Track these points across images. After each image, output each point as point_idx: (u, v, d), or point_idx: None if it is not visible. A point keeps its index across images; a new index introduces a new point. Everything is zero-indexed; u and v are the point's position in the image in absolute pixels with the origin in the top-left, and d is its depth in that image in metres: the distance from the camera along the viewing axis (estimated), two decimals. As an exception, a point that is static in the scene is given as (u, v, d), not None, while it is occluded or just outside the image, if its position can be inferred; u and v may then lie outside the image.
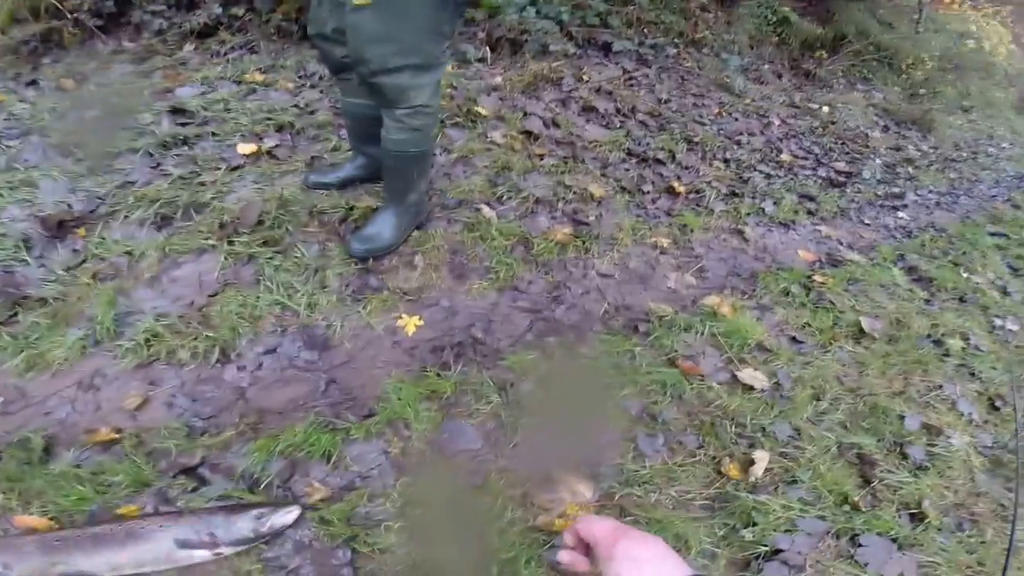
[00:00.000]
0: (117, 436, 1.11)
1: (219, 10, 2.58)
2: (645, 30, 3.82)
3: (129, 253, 1.45)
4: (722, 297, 1.79)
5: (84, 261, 1.43)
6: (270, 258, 1.48)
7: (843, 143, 3.77)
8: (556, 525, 1.13)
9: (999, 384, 2.00)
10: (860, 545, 1.20)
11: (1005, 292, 2.67)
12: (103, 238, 1.50)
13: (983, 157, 5.38)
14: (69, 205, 1.56)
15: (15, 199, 1.58)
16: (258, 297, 1.40)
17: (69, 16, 2.45)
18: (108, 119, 1.95)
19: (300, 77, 2.41)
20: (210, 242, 1.48)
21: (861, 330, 1.87)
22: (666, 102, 3.16)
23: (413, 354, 1.43)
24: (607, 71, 3.27)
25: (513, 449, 1.28)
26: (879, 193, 3.23)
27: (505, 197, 1.89)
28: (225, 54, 2.48)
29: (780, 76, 4.75)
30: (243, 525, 0.96)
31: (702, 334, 1.60)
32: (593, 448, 1.28)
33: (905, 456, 1.48)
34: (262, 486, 1.08)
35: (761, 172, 2.79)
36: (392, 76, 1.27)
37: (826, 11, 5.52)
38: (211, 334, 1.31)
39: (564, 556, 0.51)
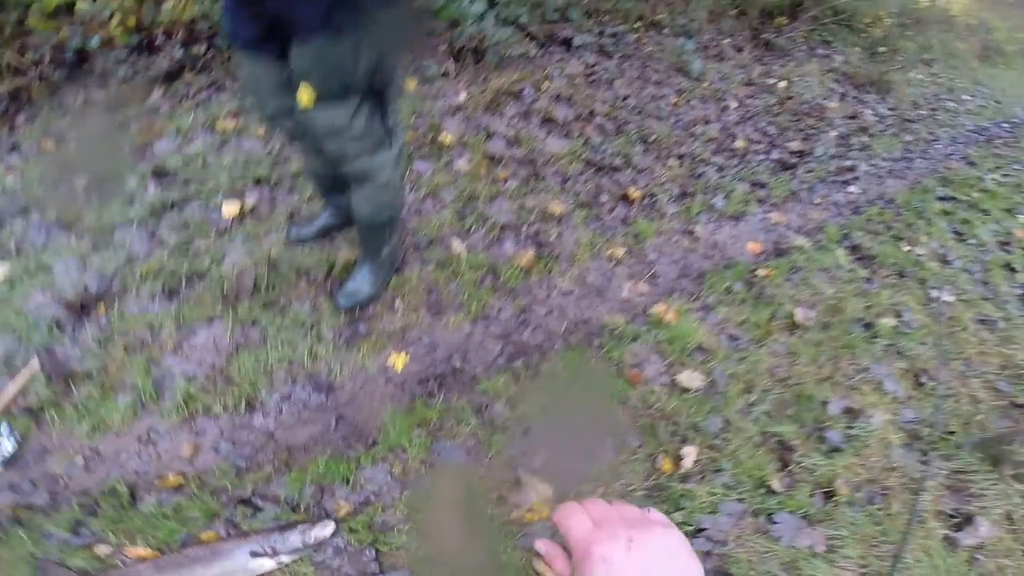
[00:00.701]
0: (182, 480, 1.42)
1: (180, 52, 2.75)
2: (605, 18, 4.01)
3: (149, 325, 1.71)
4: (668, 304, 2.08)
5: (112, 336, 1.69)
6: (271, 319, 1.75)
7: (799, 119, 4.03)
8: (526, 518, 1.46)
9: (926, 359, 2.33)
10: (774, 522, 1.52)
11: (945, 261, 2.98)
12: (122, 313, 1.75)
13: (942, 113, 5.65)
14: (86, 286, 1.81)
15: (36, 284, 1.83)
16: (267, 354, 1.68)
17: (33, 70, 2.59)
18: (97, 187, 2.16)
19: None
20: (217, 310, 1.75)
21: (795, 321, 2.17)
22: (625, 98, 3.38)
23: (403, 387, 1.71)
24: (569, 67, 3.49)
25: (489, 460, 1.59)
26: (831, 169, 3.51)
27: (473, 228, 2.15)
28: (193, 95, 2.67)
29: (740, 49, 4.94)
30: (294, 538, 1.30)
31: (648, 343, 1.90)
32: (553, 454, 1.58)
33: (823, 440, 1.79)
34: (301, 508, 1.41)
35: (714, 164, 3.05)
36: (353, 163, 1.49)
37: None
38: (235, 389, 1.59)
39: (541, 545, 0.48)
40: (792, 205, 3.02)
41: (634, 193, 2.60)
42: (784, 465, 1.67)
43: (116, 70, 2.74)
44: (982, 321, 2.66)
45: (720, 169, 3.06)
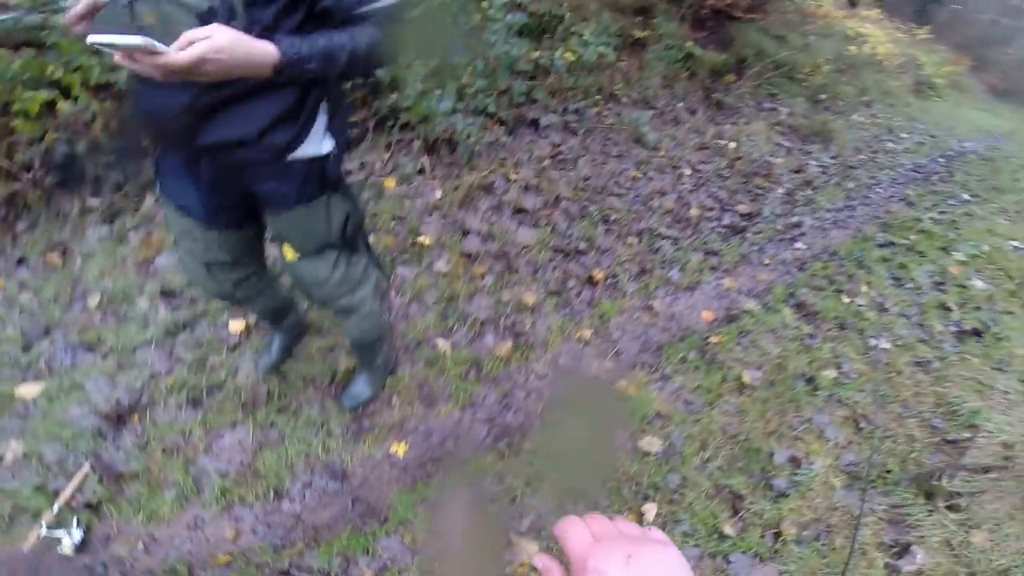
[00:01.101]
0: (230, 558, 1.74)
1: None
2: (568, 95, 4.51)
3: (181, 431, 2.05)
4: (630, 378, 2.45)
5: (149, 441, 2.02)
6: (286, 421, 2.09)
7: (748, 180, 4.51)
8: (518, 572, 1.79)
9: (865, 405, 2.71)
10: (729, 562, 1.86)
11: (883, 309, 3.39)
12: (155, 422, 2.08)
13: (882, 155, 6.23)
14: (118, 400, 2.14)
15: (72, 400, 2.14)
16: (287, 450, 2.01)
17: (24, 176, 2.77)
18: (111, 307, 2.50)
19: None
20: (238, 416, 2.09)
21: (744, 383, 2.55)
22: (588, 179, 3.83)
23: (406, 471, 2.05)
24: (538, 149, 3.95)
25: (484, 526, 1.92)
26: (778, 228, 3.96)
27: (455, 327, 2.52)
28: None
29: (694, 112, 5.50)
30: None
31: (612, 416, 2.26)
32: (537, 517, 1.92)
33: (771, 487, 2.15)
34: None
35: (670, 238, 3.48)
36: (337, 303, 1.76)
37: (726, 36, 6.32)
38: (263, 481, 1.92)
39: (539, 560, 0.48)
40: (743, 269, 3.45)
41: (598, 275, 3.00)
42: (736, 512, 2.02)
43: (107, 176, 2.93)
44: (918, 363, 3.05)
45: (675, 241, 3.48)
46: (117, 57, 1.00)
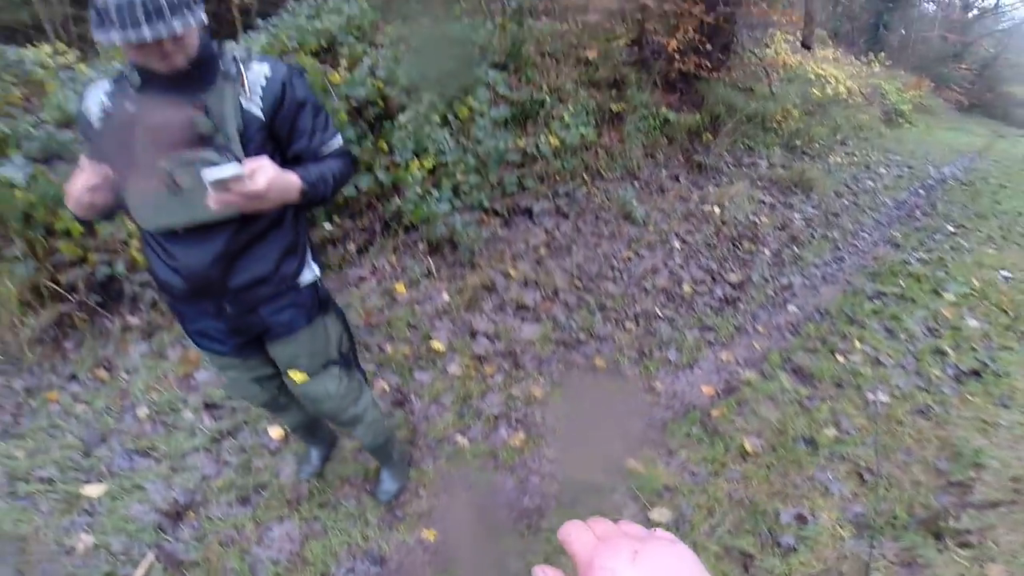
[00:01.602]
0: None
1: None
2: (556, 179, 4.97)
3: (234, 525, 2.35)
4: (637, 456, 2.73)
5: (206, 534, 2.33)
6: (328, 515, 2.41)
7: (735, 245, 4.90)
8: None
9: (867, 457, 2.94)
10: (746, 621, 2.08)
11: (878, 363, 3.66)
12: (210, 518, 2.40)
13: (863, 196, 6.65)
14: (175, 499, 2.47)
15: (133, 499, 2.48)
16: (330, 539, 2.32)
17: (72, 296, 3.24)
18: (159, 418, 2.88)
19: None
20: (284, 512, 2.41)
21: (746, 450, 2.81)
22: (582, 265, 4.23)
23: (437, 554, 2.32)
24: (533, 238, 4.38)
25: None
26: (769, 292, 4.30)
27: (471, 424, 2.84)
28: None
29: (677, 178, 5.97)
30: None
31: (624, 491, 2.53)
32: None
33: (779, 544, 2.38)
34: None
35: (666, 319, 3.83)
36: (344, 414, 2.07)
37: (697, 96, 6.86)
38: (312, 568, 2.20)
39: (539, 571, 0.47)
40: (739, 339, 3.76)
41: (599, 363, 3.33)
42: (746, 570, 2.25)
43: (144, 294, 3.37)
44: (918, 411, 3.29)
45: (671, 322, 3.82)
46: (213, 197, 1.30)
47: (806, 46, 7.81)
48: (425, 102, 4.18)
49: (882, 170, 8.00)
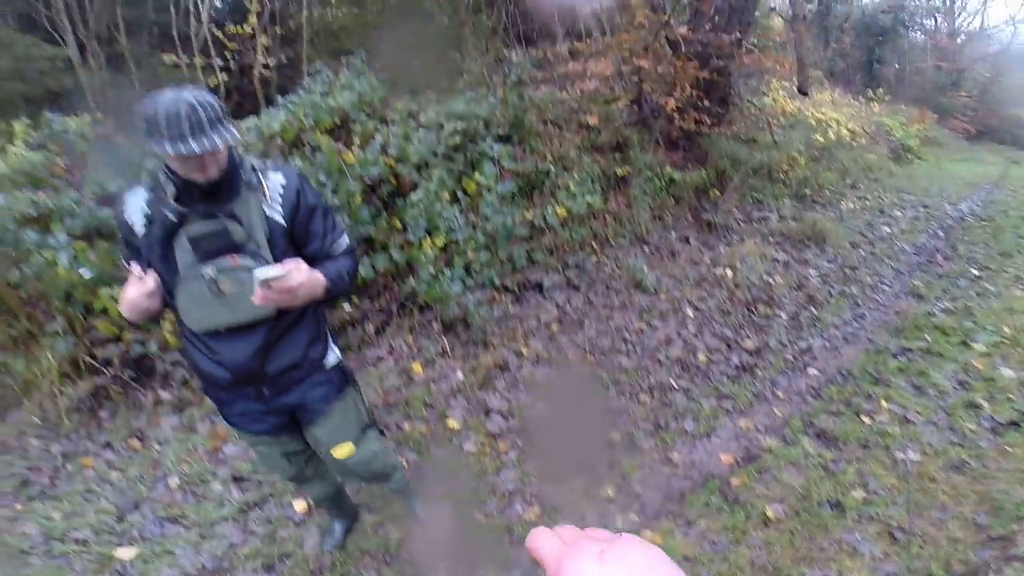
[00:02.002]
0: None
1: None
2: (565, 250, 5.14)
3: None
4: (654, 528, 2.74)
5: None
6: None
7: (750, 310, 4.98)
8: None
9: (899, 517, 2.90)
10: None
11: (907, 421, 3.63)
12: None
13: (880, 244, 6.68)
14: (203, 565, 2.59)
15: (164, 563, 2.61)
16: None
17: (107, 372, 3.51)
18: (189, 489, 3.05)
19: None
20: None
21: (768, 517, 2.80)
22: (592, 341, 4.35)
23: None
24: (544, 314, 4.52)
25: None
26: (788, 357, 4.34)
27: (487, 500, 2.91)
28: None
29: (687, 240, 6.10)
30: None
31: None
32: None
33: (807, 614, 2.34)
34: None
35: (681, 389, 3.89)
36: (386, 466, 2.29)
37: (700, 152, 7.03)
38: None
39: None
40: (758, 406, 3.79)
41: (615, 436, 3.38)
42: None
43: (175, 372, 3.66)
44: (953, 467, 3.23)
45: (687, 392, 3.88)
46: (259, 293, 1.52)
47: (803, 91, 8.07)
48: (435, 179, 4.50)
49: (897, 213, 8.06)
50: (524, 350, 4.09)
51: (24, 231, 3.48)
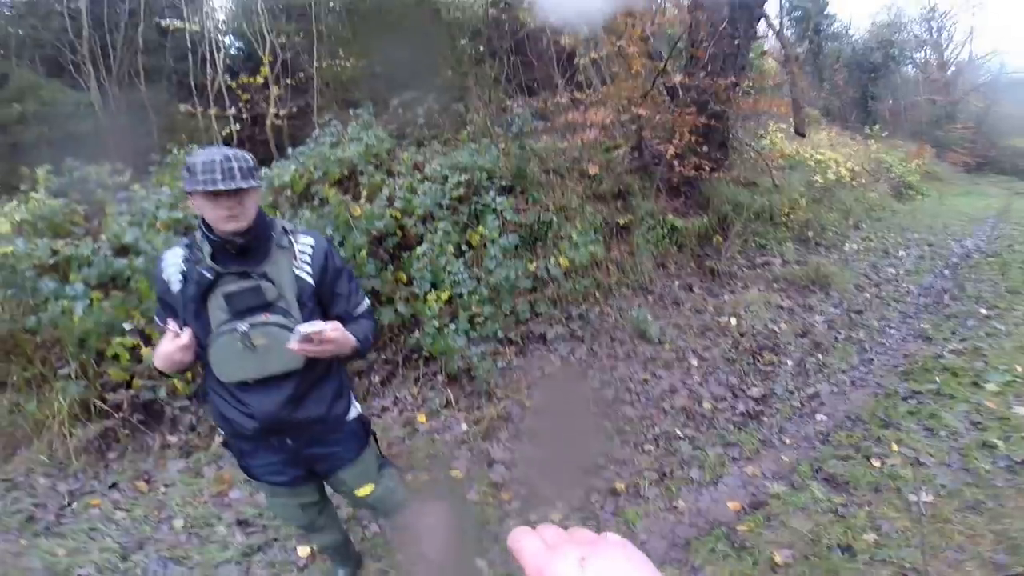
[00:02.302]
0: None
1: None
2: (568, 301, 5.20)
3: None
4: (663, 579, 2.71)
5: None
6: None
7: (755, 358, 4.99)
8: None
9: (913, 558, 2.84)
10: None
11: (919, 463, 3.59)
12: None
13: (886, 286, 6.68)
14: None
15: None
16: None
17: (116, 416, 3.61)
18: (194, 530, 3.07)
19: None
20: None
21: (776, 563, 2.76)
22: (596, 392, 4.37)
23: None
24: (548, 365, 4.56)
25: None
26: (794, 404, 4.34)
27: (490, 549, 2.90)
28: None
29: (691, 288, 6.15)
30: None
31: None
32: None
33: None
34: None
35: (686, 438, 3.89)
36: (395, 503, 2.34)
37: (701, 198, 7.13)
38: None
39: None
40: (765, 453, 3.77)
41: (620, 486, 3.37)
42: None
43: (183, 417, 3.77)
44: (968, 507, 3.18)
45: (692, 440, 3.88)
46: (296, 343, 1.66)
47: (800, 133, 8.24)
48: (440, 232, 4.64)
49: (901, 253, 8.08)
50: (527, 402, 4.12)
51: (42, 280, 3.68)
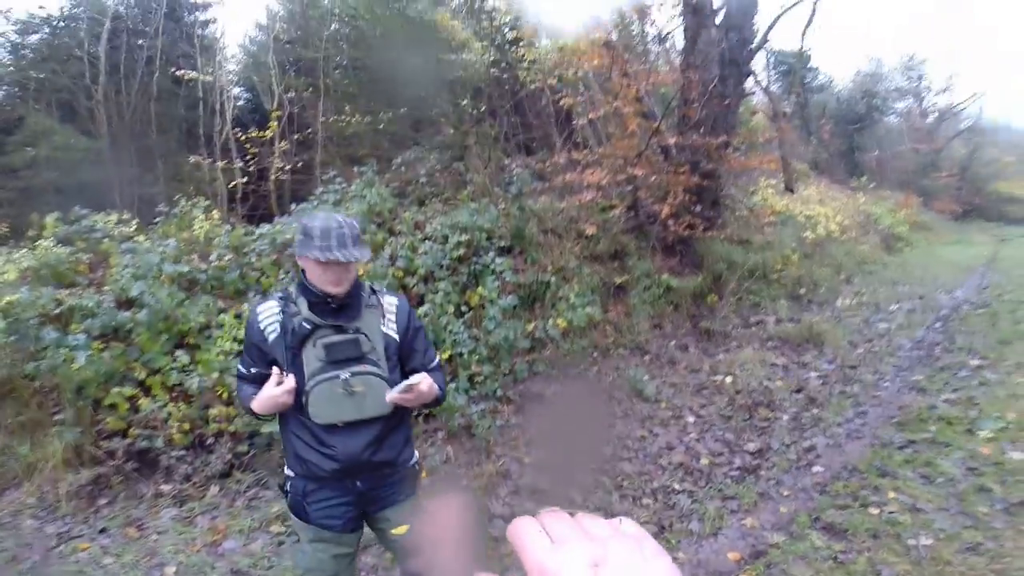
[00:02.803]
0: None
1: (228, 452, 3.90)
2: (566, 360, 5.30)
3: None
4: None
5: None
6: None
7: (751, 414, 5.07)
8: None
9: (915, 603, 2.87)
10: None
11: (917, 510, 3.64)
12: None
13: (878, 341, 6.82)
14: None
15: None
16: None
17: (110, 463, 3.62)
18: None
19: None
20: None
21: (777, 613, 2.79)
22: (595, 447, 4.42)
23: None
24: (546, 424, 4.62)
25: None
26: (791, 457, 4.39)
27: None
28: (244, 492, 3.76)
29: (686, 348, 6.27)
30: None
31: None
32: None
33: None
34: None
35: (685, 492, 3.93)
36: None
37: (696, 257, 7.33)
38: None
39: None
40: (763, 505, 3.81)
41: (618, 540, 3.40)
42: None
43: (178, 467, 3.80)
44: (968, 549, 3.22)
45: (691, 494, 3.92)
46: (396, 397, 1.89)
47: (789, 189, 8.51)
48: (440, 292, 4.78)
49: (893, 307, 8.22)
50: (526, 458, 4.18)
51: (45, 328, 3.80)
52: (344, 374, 1.95)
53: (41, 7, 8.35)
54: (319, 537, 2.22)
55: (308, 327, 1.97)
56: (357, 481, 2.11)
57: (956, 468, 4.07)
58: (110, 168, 7.36)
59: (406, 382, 1.91)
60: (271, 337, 2.01)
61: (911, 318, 8.06)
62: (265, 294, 4.39)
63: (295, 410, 2.01)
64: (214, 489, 3.84)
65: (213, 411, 4.03)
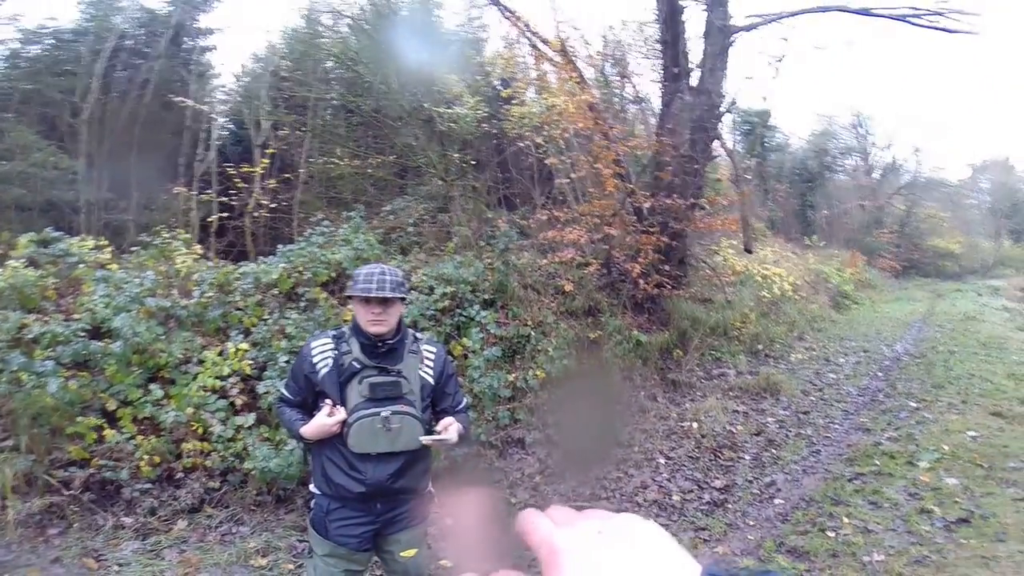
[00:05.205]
0: None
1: (199, 487, 3.87)
2: (545, 410, 5.59)
3: None
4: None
5: None
6: None
7: (716, 455, 5.51)
8: None
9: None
10: None
11: (868, 531, 4.09)
12: None
13: (828, 390, 7.47)
14: None
15: None
16: None
17: (65, 492, 3.53)
18: None
19: (295, 556, 3.67)
20: None
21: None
22: (574, 489, 4.75)
23: None
24: (528, 467, 4.93)
25: None
26: (754, 491, 4.82)
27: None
28: (216, 527, 3.75)
29: (655, 398, 6.71)
30: None
31: None
32: None
33: None
34: None
35: (660, 524, 4.27)
36: (427, 570, 2.63)
37: (663, 314, 7.84)
38: None
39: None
40: (732, 534, 4.20)
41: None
42: None
43: (142, 500, 3.75)
44: (916, 561, 3.67)
45: (666, 527, 4.22)
46: (430, 439, 2.22)
47: (748, 250, 9.15)
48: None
49: (841, 360, 8.94)
50: (511, 500, 4.46)
51: (12, 353, 3.72)
52: (385, 411, 2.24)
53: (52, 18, 7.97)
54: (334, 553, 2.44)
55: (358, 366, 2.28)
56: (378, 503, 2.36)
57: (900, 494, 4.57)
58: (82, 190, 6.97)
59: (440, 435, 2.26)
60: (323, 371, 2.30)
61: (857, 369, 8.78)
62: (320, 331, 4.57)
63: (334, 437, 2.30)
64: (182, 523, 3.82)
65: (187, 445, 4.02)
